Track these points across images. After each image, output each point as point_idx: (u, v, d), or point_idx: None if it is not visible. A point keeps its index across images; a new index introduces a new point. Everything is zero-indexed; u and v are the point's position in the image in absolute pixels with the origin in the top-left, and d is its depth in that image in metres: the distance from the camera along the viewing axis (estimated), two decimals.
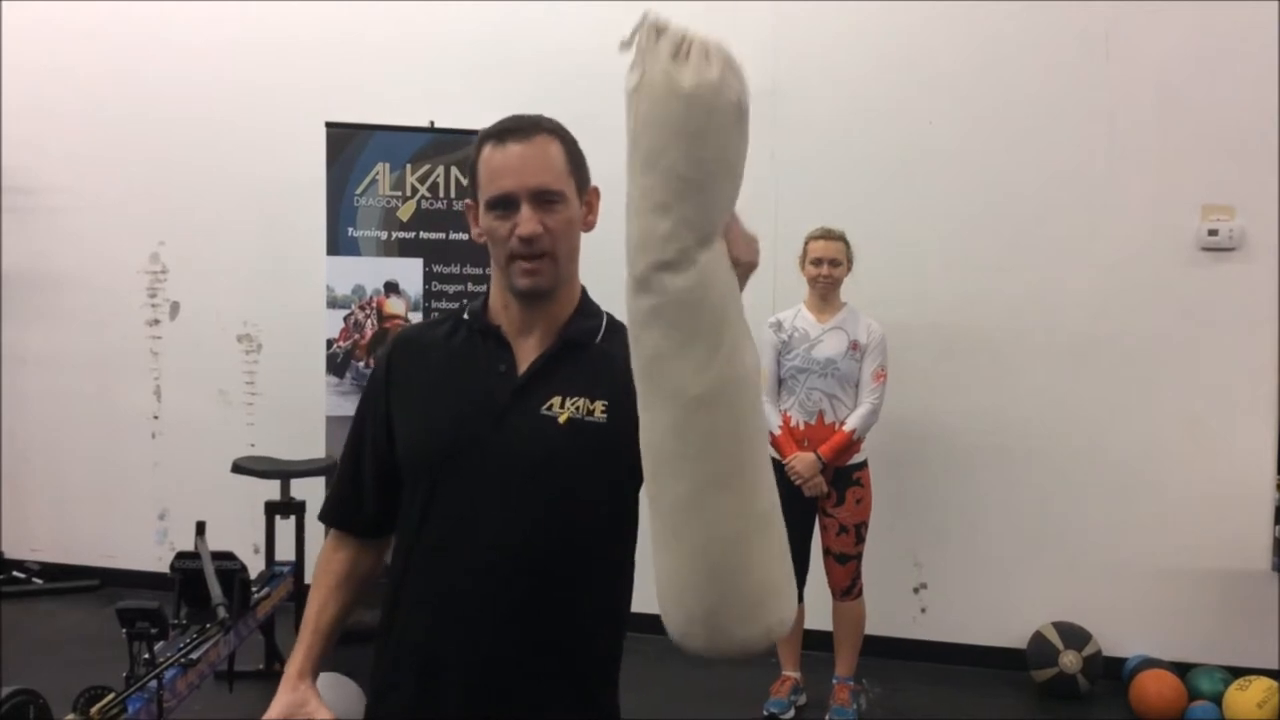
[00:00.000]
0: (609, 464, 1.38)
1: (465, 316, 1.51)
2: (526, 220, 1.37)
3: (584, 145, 1.45)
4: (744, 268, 1.23)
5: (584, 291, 1.51)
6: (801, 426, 3.68)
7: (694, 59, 1.13)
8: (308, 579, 4.04)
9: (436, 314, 3.78)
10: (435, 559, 1.42)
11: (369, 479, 1.53)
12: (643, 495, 1.29)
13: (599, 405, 1.40)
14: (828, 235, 3.72)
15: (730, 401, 1.17)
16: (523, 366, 1.44)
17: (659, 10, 1.15)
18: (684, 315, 1.15)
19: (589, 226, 1.47)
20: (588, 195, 1.46)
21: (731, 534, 1.17)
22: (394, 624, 1.47)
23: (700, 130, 1.13)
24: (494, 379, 1.43)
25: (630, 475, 1.35)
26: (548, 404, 1.41)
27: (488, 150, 1.40)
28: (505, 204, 1.38)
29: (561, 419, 1.40)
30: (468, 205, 1.48)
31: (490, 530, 1.39)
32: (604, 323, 1.50)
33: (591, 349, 1.45)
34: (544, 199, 1.38)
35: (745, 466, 1.19)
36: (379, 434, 1.51)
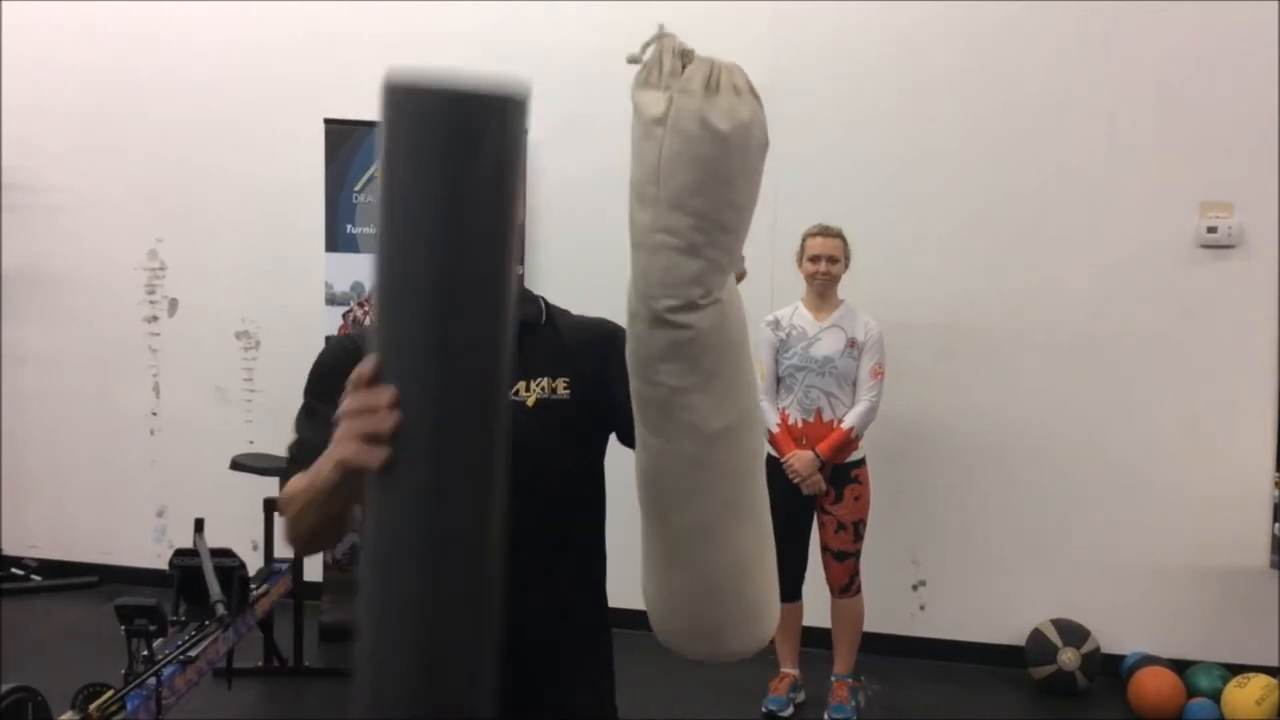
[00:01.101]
0: (577, 438, 1.41)
1: None
2: None
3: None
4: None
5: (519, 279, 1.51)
6: (799, 424, 3.68)
7: (725, 94, 1.08)
8: (307, 576, 4.08)
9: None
10: None
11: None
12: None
13: (560, 382, 1.42)
14: (825, 232, 3.72)
15: (746, 433, 1.20)
16: None
17: (669, 24, 1.10)
18: (707, 353, 1.14)
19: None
20: None
21: (739, 558, 1.22)
22: None
23: (735, 174, 1.10)
24: None
25: (597, 445, 1.46)
26: (513, 390, 1.41)
27: None
28: None
29: (530, 402, 1.41)
30: None
31: None
32: (543, 306, 1.51)
33: (539, 331, 1.47)
34: None
35: (755, 492, 1.23)
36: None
